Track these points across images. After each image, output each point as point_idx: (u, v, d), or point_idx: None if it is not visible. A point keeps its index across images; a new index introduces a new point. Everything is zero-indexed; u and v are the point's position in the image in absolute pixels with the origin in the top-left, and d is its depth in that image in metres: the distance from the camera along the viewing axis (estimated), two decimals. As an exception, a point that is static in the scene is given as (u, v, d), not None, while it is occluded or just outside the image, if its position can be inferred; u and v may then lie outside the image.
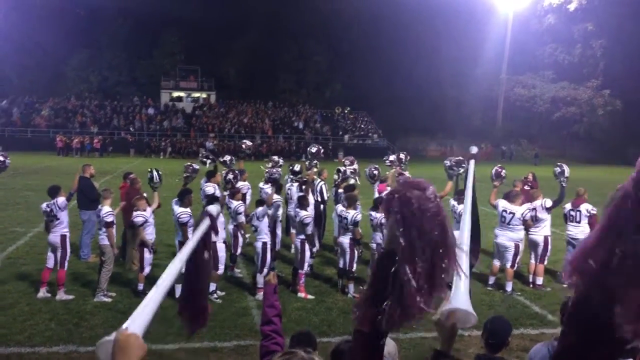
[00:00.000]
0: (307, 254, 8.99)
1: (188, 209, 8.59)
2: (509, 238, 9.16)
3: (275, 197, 9.89)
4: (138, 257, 8.79)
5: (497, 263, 9.46)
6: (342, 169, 10.85)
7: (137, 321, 1.61)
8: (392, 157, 11.56)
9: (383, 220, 8.94)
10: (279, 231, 10.77)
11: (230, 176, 9.25)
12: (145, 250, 8.57)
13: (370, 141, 53.77)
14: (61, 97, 52.27)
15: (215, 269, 8.61)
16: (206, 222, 2.36)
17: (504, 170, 9.80)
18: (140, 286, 8.51)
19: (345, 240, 8.94)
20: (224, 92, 58.17)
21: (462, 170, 9.85)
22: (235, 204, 9.44)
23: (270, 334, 2.82)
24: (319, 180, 11.66)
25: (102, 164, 32.54)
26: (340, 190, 10.56)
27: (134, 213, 8.65)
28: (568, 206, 9.80)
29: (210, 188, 10.48)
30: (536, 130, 59.94)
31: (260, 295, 8.55)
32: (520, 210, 9.16)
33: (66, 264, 8.54)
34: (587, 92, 58.94)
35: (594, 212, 9.59)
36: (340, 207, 9.29)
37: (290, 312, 8.01)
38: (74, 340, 6.89)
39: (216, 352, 6.72)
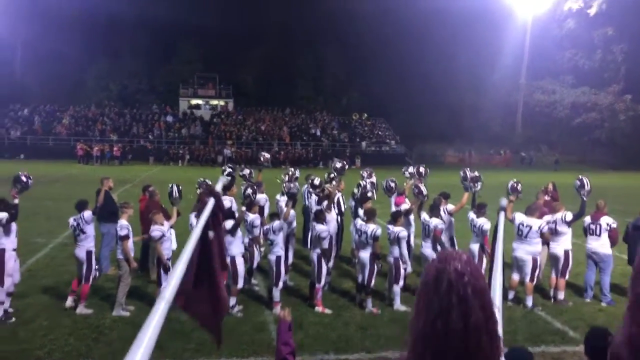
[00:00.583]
0: (324, 268, 8.95)
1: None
2: (526, 252, 9.03)
3: (292, 212, 9.87)
4: (155, 272, 8.83)
5: (515, 277, 9.33)
6: (362, 183, 10.78)
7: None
8: (410, 170, 11.46)
9: (401, 234, 8.90)
10: (292, 245, 10.73)
11: (249, 191, 9.25)
12: (162, 266, 8.60)
13: (387, 148, 53.67)
14: (81, 106, 53.04)
15: (235, 283, 8.63)
16: (211, 203, 2.31)
17: (519, 185, 9.68)
18: (158, 300, 8.53)
19: (365, 255, 8.88)
20: (241, 100, 58.56)
21: (478, 187, 9.79)
22: (251, 217, 9.43)
23: None
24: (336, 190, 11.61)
25: (121, 172, 32.90)
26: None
27: (152, 227, 8.68)
28: (588, 219, 9.62)
29: (227, 202, 10.39)
30: (556, 136, 59.35)
31: (277, 309, 8.54)
32: (537, 223, 9.03)
33: (91, 279, 8.63)
34: (608, 97, 58.29)
35: (614, 226, 9.43)
36: (359, 221, 9.24)
37: (307, 327, 7.98)
38: (92, 355, 6.93)
39: (233, 369, 6.71)
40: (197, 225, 2.18)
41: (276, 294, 8.69)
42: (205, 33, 59.65)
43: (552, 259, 9.65)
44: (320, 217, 9.17)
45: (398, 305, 8.87)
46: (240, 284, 8.75)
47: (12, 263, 8.05)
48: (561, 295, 9.41)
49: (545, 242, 9.52)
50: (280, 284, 8.77)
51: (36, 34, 51.36)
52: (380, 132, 56.05)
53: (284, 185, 10.11)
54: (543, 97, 60.16)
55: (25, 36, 52.10)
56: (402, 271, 9.01)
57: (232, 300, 8.53)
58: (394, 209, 10.55)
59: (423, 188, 10.00)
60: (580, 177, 9.71)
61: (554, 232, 9.48)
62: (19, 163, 34.02)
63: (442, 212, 9.62)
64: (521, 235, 9.08)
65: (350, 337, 7.74)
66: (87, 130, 48.63)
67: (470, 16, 54.87)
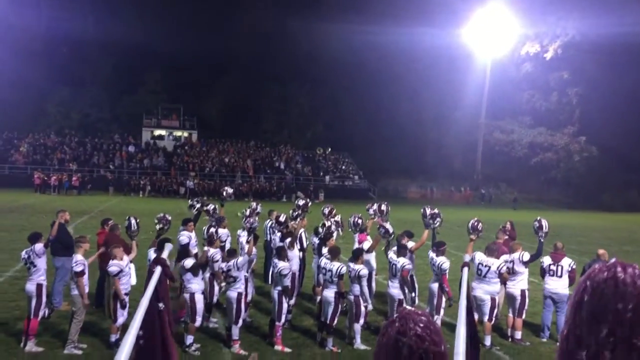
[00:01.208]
0: (285, 305, 8.86)
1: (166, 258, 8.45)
2: (485, 291, 9.14)
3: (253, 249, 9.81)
4: (112, 308, 8.59)
5: (475, 316, 9.40)
6: (326, 223, 10.80)
7: None
8: (374, 207, 11.57)
9: (361, 272, 8.90)
10: (252, 281, 10.60)
11: (212, 230, 9.21)
12: (119, 301, 8.38)
13: (351, 182, 54.07)
14: (41, 134, 51.91)
15: (193, 321, 8.46)
16: (158, 271, 2.28)
17: (480, 224, 9.84)
18: (113, 337, 8.29)
19: (329, 293, 8.82)
20: (205, 131, 58.36)
21: (437, 223, 9.92)
22: (212, 251, 9.33)
23: None
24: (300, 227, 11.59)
25: (79, 203, 32.17)
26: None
27: (110, 262, 8.49)
28: (547, 260, 9.81)
29: (185, 237, 10.11)
30: (515, 175, 60.88)
31: (235, 347, 8.39)
32: (496, 263, 9.18)
33: (40, 314, 8.34)
34: (563, 138, 60.33)
35: (574, 267, 9.68)
36: (323, 260, 9.21)
37: (266, 367, 7.86)
38: (41, 397, 6.65)
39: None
40: (145, 296, 2.14)
41: (235, 331, 8.53)
42: (170, 63, 59.64)
43: (509, 298, 9.79)
44: (282, 253, 9.13)
45: (358, 344, 8.82)
46: (198, 322, 8.58)
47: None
48: (518, 335, 9.52)
49: (503, 282, 9.67)
50: (240, 321, 8.64)
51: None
52: (344, 167, 56.51)
53: (245, 220, 10.03)
54: (502, 136, 61.87)
55: (-15, 61, 51.02)
56: (362, 309, 8.99)
57: (190, 339, 8.35)
58: (356, 247, 10.57)
59: (389, 227, 10.07)
60: (538, 218, 9.94)
61: (511, 272, 9.64)
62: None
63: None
64: (480, 275, 9.20)
65: (309, 377, 7.64)
66: (45, 158, 47.53)
67: (434, 56, 56.54)
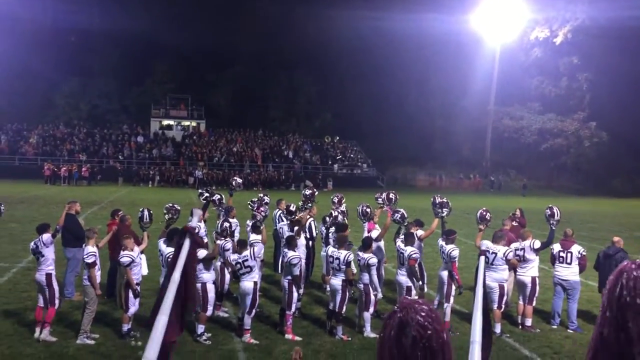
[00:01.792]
0: (295, 295, 8.90)
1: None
2: (492, 279, 9.11)
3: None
4: (124, 298, 8.66)
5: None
6: (333, 212, 10.79)
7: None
8: (383, 196, 11.55)
9: (370, 261, 8.90)
10: (261, 270, 10.65)
11: (227, 225, 9.30)
12: (130, 291, 8.44)
13: (359, 170, 53.98)
14: (50, 125, 52.17)
15: (204, 310, 8.51)
16: (187, 241, 2.20)
17: (488, 214, 9.80)
18: (125, 327, 8.37)
19: (337, 281, 8.85)
20: (214, 121, 58.38)
21: (445, 212, 9.91)
22: (222, 240, 9.38)
23: None
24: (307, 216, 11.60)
25: (89, 194, 32.36)
26: (332, 229, 10.50)
27: (121, 253, 8.55)
28: (557, 247, 9.78)
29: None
30: (524, 161, 60.52)
31: (247, 336, 8.43)
32: (502, 250, 9.16)
33: (56, 302, 8.41)
34: (573, 124, 59.79)
35: (584, 254, 9.62)
36: (331, 248, 9.24)
37: (277, 355, 7.91)
38: (54, 386, 6.73)
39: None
40: (175, 271, 2.04)
41: (247, 321, 8.57)
42: (178, 53, 59.62)
43: (519, 285, 9.77)
44: (292, 243, 9.16)
45: (368, 332, 8.85)
46: (209, 311, 8.63)
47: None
48: (528, 322, 9.51)
49: (513, 269, 9.65)
50: (254, 311, 8.67)
51: (4, 50, 50.51)
52: (352, 155, 56.41)
53: (254, 211, 10.07)
54: (511, 122, 61.40)
55: (-6, 52, 51.19)
56: (372, 298, 9.00)
57: (201, 328, 8.40)
58: (366, 234, 10.58)
59: (404, 212, 10.12)
60: (550, 206, 9.89)
61: (522, 259, 9.61)
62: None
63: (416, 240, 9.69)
64: (487, 262, 9.18)
65: (320, 366, 7.67)
66: (55, 149, 47.78)
67: (442, 43, 56.04)
